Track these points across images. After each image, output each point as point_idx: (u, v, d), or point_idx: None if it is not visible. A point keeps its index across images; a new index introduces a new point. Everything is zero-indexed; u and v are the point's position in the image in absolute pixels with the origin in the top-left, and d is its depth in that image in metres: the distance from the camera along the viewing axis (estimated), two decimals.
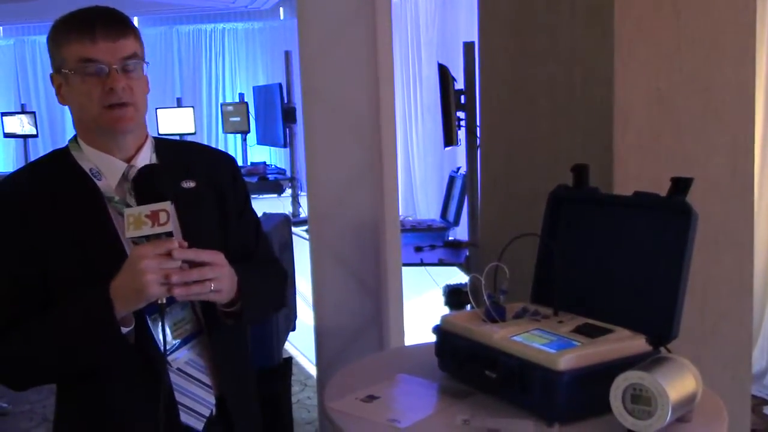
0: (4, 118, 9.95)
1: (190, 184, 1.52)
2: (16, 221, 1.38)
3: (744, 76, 2.41)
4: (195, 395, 1.46)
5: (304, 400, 4.00)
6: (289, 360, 2.33)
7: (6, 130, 9.93)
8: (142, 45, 1.46)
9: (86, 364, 1.38)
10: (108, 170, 1.45)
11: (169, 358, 1.41)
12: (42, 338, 1.35)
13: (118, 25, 1.40)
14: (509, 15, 2.64)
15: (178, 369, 1.44)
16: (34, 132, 9.92)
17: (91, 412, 1.44)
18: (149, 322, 1.38)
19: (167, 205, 1.29)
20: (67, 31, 1.39)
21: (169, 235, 1.29)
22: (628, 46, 2.15)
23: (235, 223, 1.59)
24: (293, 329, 2.66)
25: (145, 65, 1.45)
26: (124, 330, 1.33)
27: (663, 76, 2.22)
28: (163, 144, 1.56)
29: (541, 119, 2.45)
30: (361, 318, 2.56)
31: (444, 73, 3.89)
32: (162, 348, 1.35)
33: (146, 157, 1.49)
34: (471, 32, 5.61)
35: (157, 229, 1.27)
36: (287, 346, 3.45)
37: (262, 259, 1.65)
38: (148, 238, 1.29)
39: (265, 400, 1.87)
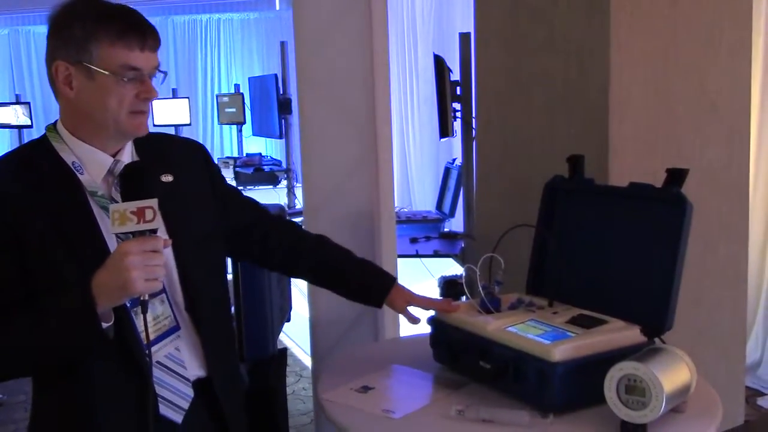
0: None
1: (168, 178, 1.52)
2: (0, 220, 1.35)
3: (740, 68, 2.41)
4: (174, 388, 1.45)
5: (299, 392, 4.00)
6: (284, 351, 2.32)
7: (0, 121, 9.88)
8: None
9: (64, 359, 1.37)
10: (92, 164, 1.42)
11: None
12: (21, 331, 1.33)
13: (157, 37, 1.42)
14: (505, 6, 2.63)
15: (157, 362, 1.43)
16: (29, 122, 9.86)
17: (70, 404, 1.42)
18: (132, 315, 1.37)
19: (154, 203, 1.28)
20: (113, 31, 1.37)
21: (154, 232, 1.29)
22: (625, 37, 2.15)
23: (229, 201, 1.68)
24: (288, 320, 2.65)
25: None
26: (104, 325, 1.31)
27: (659, 67, 2.22)
28: (139, 138, 1.52)
29: (537, 110, 2.45)
30: (356, 309, 2.55)
31: (440, 64, 3.87)
32: (143, 342, 1.35)
33: (128, 151, 1.49)
34: (467, 23, 5.59)
35: (143, 226, 1.27)
36: (282, 337, 3.45)
37: (275, 217, 1.80)
38: (133, 234, 1.28)
39: (260, 391, 1.87)
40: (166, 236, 1.38)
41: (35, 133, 10.98)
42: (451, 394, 1.59)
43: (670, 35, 2.22)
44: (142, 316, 1.32)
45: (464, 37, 3.68)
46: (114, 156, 1.45)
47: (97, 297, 1.27)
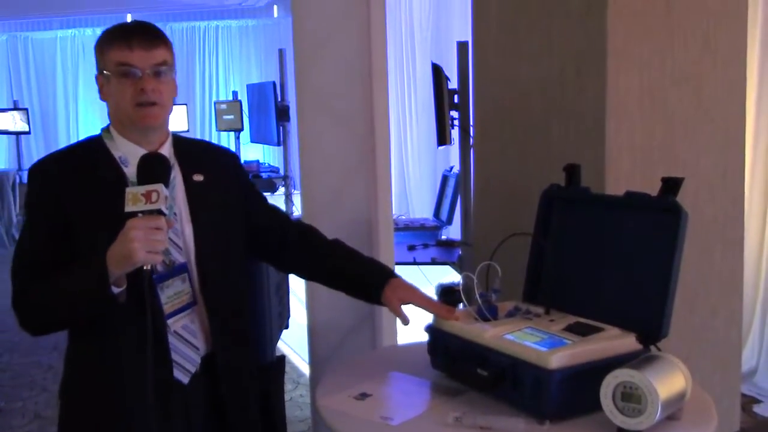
0: None
1: (199, 178, 1.76)
2: (53, 193, 1.63)
3: (735, 76, 2.42)
4: (185, 354, 1.68)
5: (296, 398, 4.00)
6: (282, 358, 2.33)
7: None
8: (172, 54, 1.71)
9: (84, 312, 1.61)
10: (135, 158, 1.63)
11: (168, 322, 1.65)
12: (54, 290, 1.60)
13: (152, 36, 1.66)
14: (503, 14, 2.65)
15: (175, 331, 1.66)
16: (27, 129, 9.86)
17: (96, 365, 1.67)
18: (157, 289, 1.63)
19: (159, 187, 1.51)
20: (109, 39, 1.66)
21: (160, 212, 1.51)
22: (621, 46, 2.16)
23: (252, 204, 1.89)
24: (286, 327, 2.65)
25: (175, 71, 1.71)
26: (117, 290, 1.54)
27: (655, 75, 2.23)
28: (179, 141, 1.81)
29: (534, 119, 2.46)
30: (354, 316, 2.56)
31: (437, 72, 3.89)
32: (164, 312, 1.62)
33: (167, 151, 1.73)
34: (464, 32, 5.59)
35: (149, 206, 1.50)
36: (279, 344, 3.46)
37: (293, 225, 2.00)
38: (143, 213, 1.50)
39: (259, 397, 1.88)
40: (172, 219, 1.61)
41: (33, 140, 11.01)
42: (448, 401, 1.60)
43: (666, 45, 2.23)
44: (159, 289, 1.61)
45: (462, 46, 3.69)
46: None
47: (109, 264, 1.51)
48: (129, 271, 1.53)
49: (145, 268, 1.51)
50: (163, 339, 1.63)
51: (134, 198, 1.51)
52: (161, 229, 1.51)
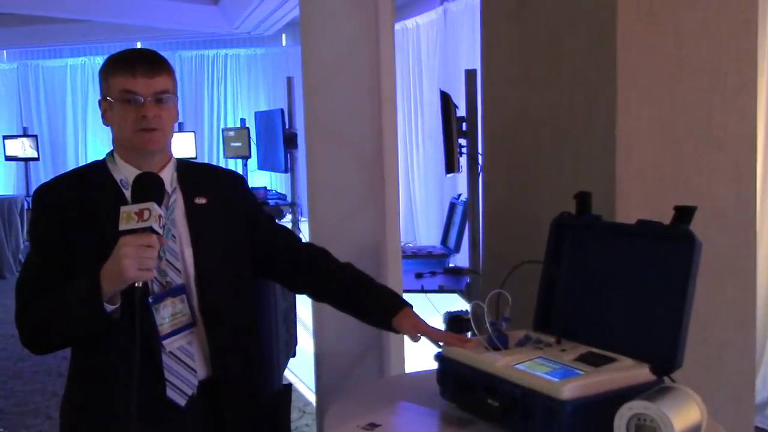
0: (5, 141, 9.97)
1: (201, 201, 1.79)
2: (55, 215, 1.68)
3: (745, 106, 2.41)
4: (181, 375, 1.69)
5: (302, 428, 3.97)
6: (289, 387, 2.31)
7: (7, 153, 9.94)
8: (174, 82, 1.76)
9: (80, 332, 1.64)
10: None
11: (164, 342, 1.67)
12: (50, 308, 1.63)
13: (154, 65, 1.70)
14: (512, 44, 2.65)
15: (170, 352, 1.68)
16: (36, 155, 9.93)
17: (90, 382, 1.70)
18: (152, 310, 1.65)
19: (150, 205, 1.55)
20: (113, 67, 1.70)
21: (152, 230, 1.54)
22: (631, 76, 2.16)
23: (260, 226, 1.90)
24: (293, 355, 2.64)
25: (176, 98, 1.75)
26: (111, 307, 1.57)
27: (665, 105, 2.23)
28: (183, 164, 1.84)
29: (544, 146, 2.46)
30: (361, 344, 2.55)
31: (446, 99, 3.90)
32: (159, 333, 1.65)
33: (168, 174, 1.76)
34: (472, 60, 5.62)
35: (140, 224, 1.54)
36: (285, 372, 3.44)
37: (304, 246, 2.01)
38: (135, 231, 1.53)
39: (264, 426, 1.87)
40: (165, 238, 1.65)
41: (42, 166, 11.09)
42: None
43: (676, 74, 2.23)
44: (155, 309, 1.64)
45: (470, 74, 3.71)
46: None
47: (102, 281, 1.54)
48: (122, 288, 1.56)
49: (136, 285, 1.54)
50: (157, 357, 1.65)
51: (127, 217, 1.55)
52: (152, 247, 1.54)
